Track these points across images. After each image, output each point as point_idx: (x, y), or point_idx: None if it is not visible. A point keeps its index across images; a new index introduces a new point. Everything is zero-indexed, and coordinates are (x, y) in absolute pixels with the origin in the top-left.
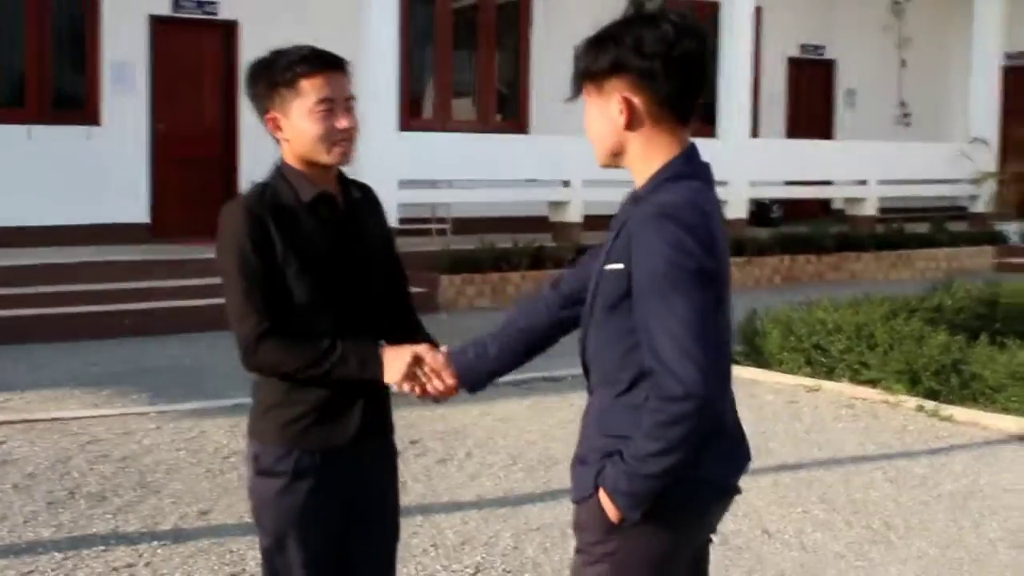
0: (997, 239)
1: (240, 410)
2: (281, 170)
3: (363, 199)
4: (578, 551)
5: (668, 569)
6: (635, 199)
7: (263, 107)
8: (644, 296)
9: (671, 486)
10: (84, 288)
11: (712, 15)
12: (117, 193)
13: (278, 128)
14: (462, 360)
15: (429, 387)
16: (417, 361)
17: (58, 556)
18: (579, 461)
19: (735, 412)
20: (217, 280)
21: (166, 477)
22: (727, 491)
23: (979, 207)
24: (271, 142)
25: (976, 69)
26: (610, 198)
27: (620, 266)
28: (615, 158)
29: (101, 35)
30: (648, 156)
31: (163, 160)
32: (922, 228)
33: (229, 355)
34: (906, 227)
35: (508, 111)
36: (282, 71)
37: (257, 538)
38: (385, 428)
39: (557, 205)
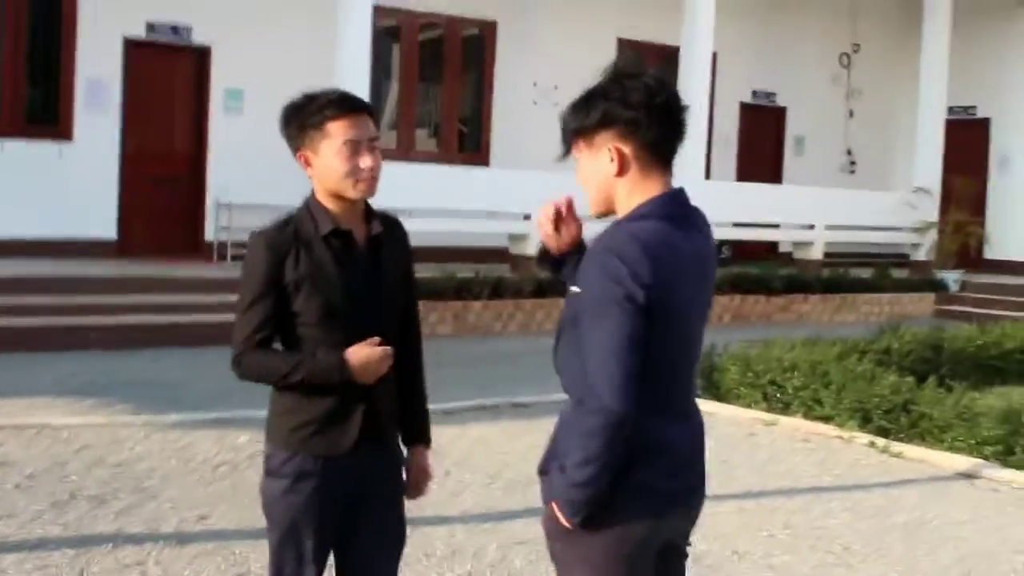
0: (937, 286)
1: (222, 423)
2: (308, 203)
3: (386, 234)
4: (554, 560)
5: (638, 568)
6: (605, 231)
7: (295, 146)
8: (583, 319)
9: (615, 492)
10: (52, 301)
11: (672, 59)
12: (86, 209)
13: (308, 165)
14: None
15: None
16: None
17: (70, 552)
18: (541, 472)
19: (689, 433)
20: (182, 298)
21: (161, 484)
22: (674, 501)
23: (921, 255)
24: (237, 165)
25: (921, 121)
26: None
27: (577, 290)
28: (609, 205)
29: (76, 55)
30: (632, 199)
31: (132, 178)
32: (867, 273)
33: (202, 370)
34: (851, 272)
35: (469, 144)
36: (311, 114)
37: (259, 542)
38: (385, 438)
39: (517, 238)
